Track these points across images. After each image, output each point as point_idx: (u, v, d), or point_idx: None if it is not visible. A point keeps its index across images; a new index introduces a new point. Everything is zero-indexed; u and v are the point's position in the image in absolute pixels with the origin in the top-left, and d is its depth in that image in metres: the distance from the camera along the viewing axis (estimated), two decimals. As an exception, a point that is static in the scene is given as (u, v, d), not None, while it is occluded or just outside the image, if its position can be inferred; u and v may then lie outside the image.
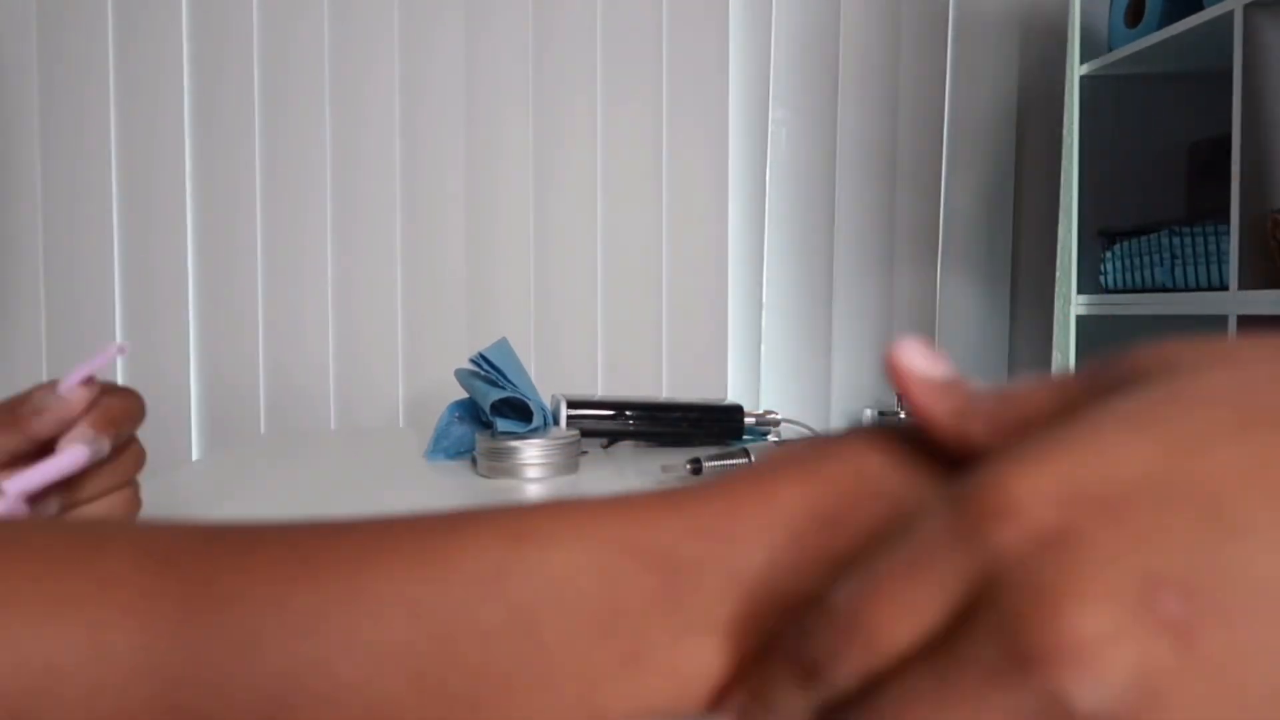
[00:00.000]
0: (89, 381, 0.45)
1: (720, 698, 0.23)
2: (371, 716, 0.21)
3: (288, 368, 1.46)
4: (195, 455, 1.45)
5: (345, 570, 0.22)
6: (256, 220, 1.45)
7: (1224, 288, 1.26)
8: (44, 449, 0.44)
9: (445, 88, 1.47)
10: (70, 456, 0.44)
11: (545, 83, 1.50)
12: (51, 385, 0.46)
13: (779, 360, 1.61)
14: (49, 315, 1.41)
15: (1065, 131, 1.55)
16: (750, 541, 0.23)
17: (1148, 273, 1.41)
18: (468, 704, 0.21)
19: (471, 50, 1.48)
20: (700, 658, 0.22)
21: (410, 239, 1.48)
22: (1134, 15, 1.48)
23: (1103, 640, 0.15)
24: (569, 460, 0.76)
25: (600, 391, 1.52)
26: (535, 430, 0.77)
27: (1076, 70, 1.57)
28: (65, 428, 0.45)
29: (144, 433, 0.48)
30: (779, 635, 0.21)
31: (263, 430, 1.46)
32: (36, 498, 0.43)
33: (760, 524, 0.23)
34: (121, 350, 0.46)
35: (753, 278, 1.59)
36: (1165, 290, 1.38)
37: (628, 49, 1.51)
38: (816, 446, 0.25)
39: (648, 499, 0.24)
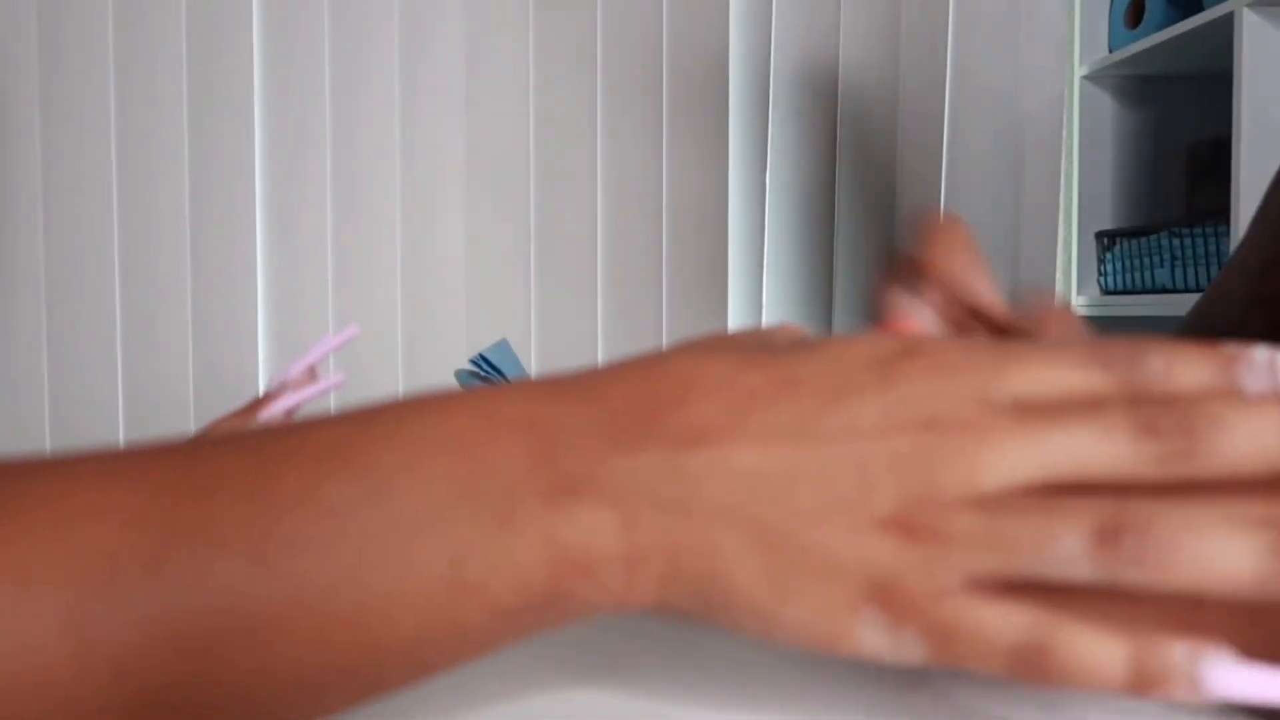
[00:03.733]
0: (310, 371, 0.50)
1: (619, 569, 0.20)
2: (209, 605, 0.19)
3: (288, 368, 1.46)
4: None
5: (179, 462, 0.21)
6: (255, 220, 1.45)
7: (1224, 288, 1.26)
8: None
9: (445, 87, 1.47)
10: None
11: (545, 83, 1.49)
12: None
13: (779, 360, 1.60)
14: (49, 315, 1.41)
15: (1065, 132, 1.55)
16: (636, 404, 0.21)
17: (1148, 274, 1.41)
18: (314, 589, 0.19)
19: (471, 49, 1.48)
20: (579, 523, 0.20)
21: (410, 239, 1.48)
22: (1134, 16, 1.48)
23: None
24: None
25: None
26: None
27: (1076, 70, 1.57)
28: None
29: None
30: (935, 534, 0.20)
31: (262, 430, 1.45)
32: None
33: (647, 387, 0.22)
34: (354, 335, 0.50)
35: (752, 278, 1.59)
36: (1165, 291, 1.38)
37: (628, 49, 1.51)
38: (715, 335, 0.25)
39: (517, 382, 0.23)
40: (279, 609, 0.19)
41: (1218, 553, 0.19)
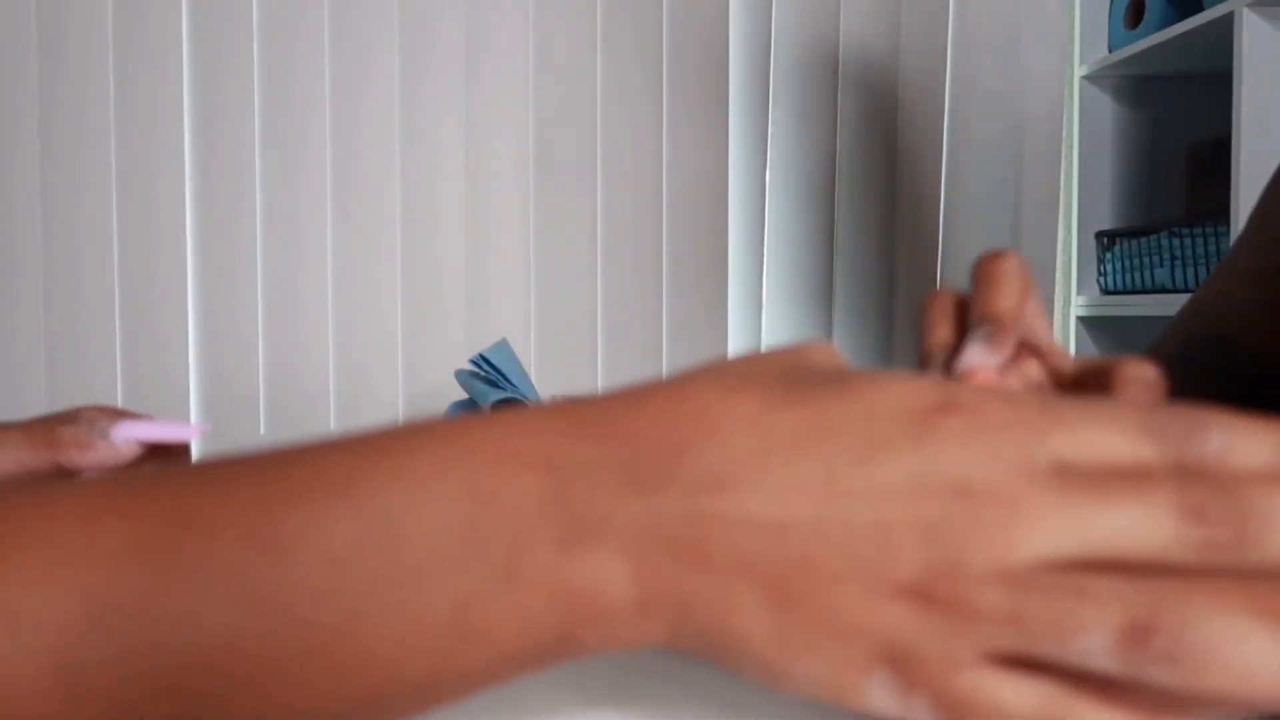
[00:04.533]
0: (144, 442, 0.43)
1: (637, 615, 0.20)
2: (205, 649, 0.18)
3: (288, 368, 1.46)
4: (194, 456, 1.45)
5: (174, 495, 0.20)
6: (256, 221, 1.45)
7: (1224, 288, 1.26)
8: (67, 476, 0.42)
9: (445, 88, 1.47)
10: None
11: (545, 82, 1.49)
12: (105, 416, 0.44)
13: (779, 360, 1.60)
14: (49, 315, 1.41)
15: (1065, 132, 1.55)
16: (657, 442, 0.20)
17: (1148, 274, 1.41)
18: (315, 636, 0.19)
19: (471, 50, 1.48)
20: (591, 572, 0.19)
21: (410, 239, 1.48)
22: (1134, 16, 1.48)
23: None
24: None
25: (600, 392, 1.52)
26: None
27: (1076, 71, 1.57)
28: (99, 472, 0.42)
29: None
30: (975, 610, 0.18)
31: (262, 431, 1.46)
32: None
33: (670, 423, 0.20)
34: (201, 432, 0.46)
35: (753, 278, 1.59)
36: (1165, 291, 1.38)
37: (628, 49, 1.51)
38: (741, 356, 0.23)
39: (530, 408, 0.22)
40: (277, 653, 0.19)
41: (1255, 664, 0.17)
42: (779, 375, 0.22)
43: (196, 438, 0.46)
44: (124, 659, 0.18)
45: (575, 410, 0.21)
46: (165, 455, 0.45)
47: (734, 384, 0.21)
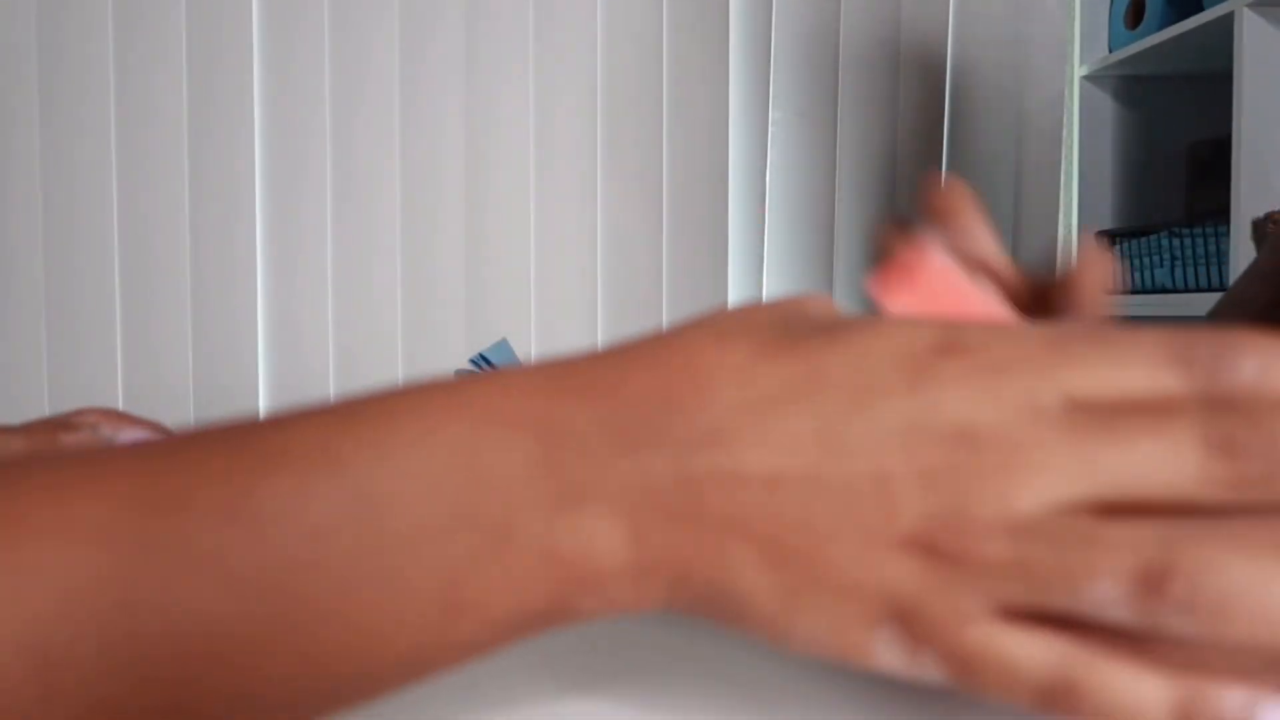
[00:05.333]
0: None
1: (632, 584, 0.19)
2: (184, 630, 0.18)
3: (287, 368, 1.46)
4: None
5: (146, 471, 0.19)
6: (256, 220, 1.45)
7: (1224, 289, 1.26)
8: None
9: (445, 87, 1.47)
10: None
11: (544, 82, 1.49)
12: (108, 420, 0.43)
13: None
14: (49, 315, 1.41)
15: (1065, 132, 1.55)
16: (647, 399, 0.19)
17: (1148, 274, 1.41)
18: (299, 612, 0.18)
19: (471, 49, 1.48)
20: (584, 536, 0.19)
21: (410, 239, 1.48)
22: (1134, 16, 1.48)
23: None
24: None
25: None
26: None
27: (1076, 71, 1.57)
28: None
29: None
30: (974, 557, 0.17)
31: (262, 430, 1.45)
32: None
33: (658, 379, 0.20)
34: None
35: (752, 278, 1.59)
36: (1165, 291, 1.38)
37: (627, 49, 1.51)
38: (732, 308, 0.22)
39: (517, 368, 0.20)
40: (260, 633, 0.18)
41: None
42: (770, 325, 0.21)
43: None
44: (100, 642, 0.17)
45: (563, 369, 0.20)
46: None
47: (723, 335, 0.20)
